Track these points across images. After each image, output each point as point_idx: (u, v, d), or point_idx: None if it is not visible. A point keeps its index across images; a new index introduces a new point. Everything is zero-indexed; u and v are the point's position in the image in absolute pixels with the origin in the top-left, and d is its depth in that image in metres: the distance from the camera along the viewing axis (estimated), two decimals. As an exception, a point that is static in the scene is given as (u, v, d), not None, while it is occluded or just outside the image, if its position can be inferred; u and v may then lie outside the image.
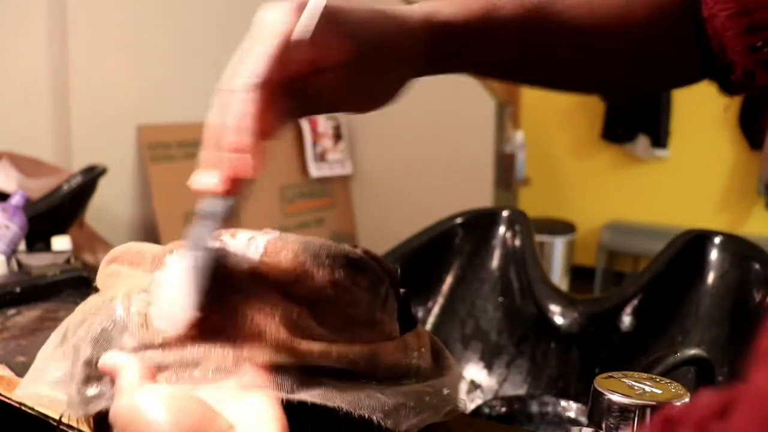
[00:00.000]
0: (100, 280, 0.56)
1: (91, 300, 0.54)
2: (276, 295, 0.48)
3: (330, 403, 0.45)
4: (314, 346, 0.47)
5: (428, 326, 1.03)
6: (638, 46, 0.57)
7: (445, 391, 0.52)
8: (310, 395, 0.45)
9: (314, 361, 0.47)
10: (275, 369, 0.46)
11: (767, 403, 0.20)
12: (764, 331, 0.22)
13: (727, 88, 0.57)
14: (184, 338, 0.46)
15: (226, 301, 0.48)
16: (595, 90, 0.60)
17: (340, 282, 0.50)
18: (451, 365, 0.56)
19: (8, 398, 0.66)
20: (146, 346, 0.47)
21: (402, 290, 0.56)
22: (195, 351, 0.46)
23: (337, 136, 3.08)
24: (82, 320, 0.51)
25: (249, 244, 0.51)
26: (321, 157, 3.01)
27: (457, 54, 0.53)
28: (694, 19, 0.55)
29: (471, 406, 0.66)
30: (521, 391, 0.97)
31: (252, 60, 0.44)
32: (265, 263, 0.50)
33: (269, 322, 0.47)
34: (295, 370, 0.47)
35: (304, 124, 2.96)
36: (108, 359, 0.46)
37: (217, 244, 0.51)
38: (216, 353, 0.46)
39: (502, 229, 1.05)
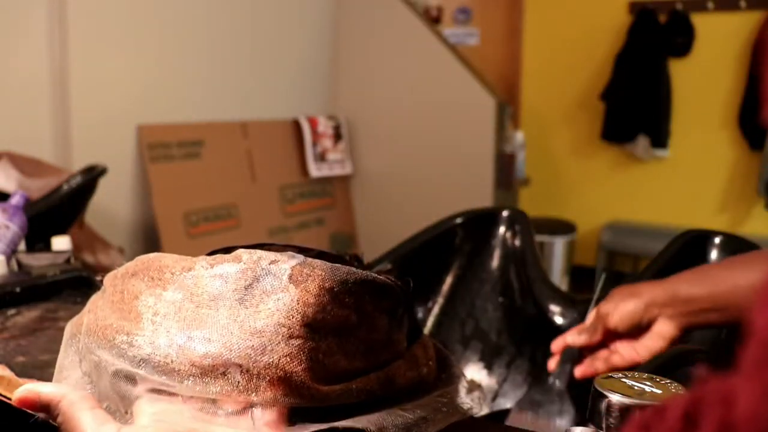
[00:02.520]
0: (115, 291, 0.54)
1: (106, 316, 0.52)
2: (302, 329, 0.47)
3: (358, 425, 0.46)
4: (336, 387, 0.47)
5: (428, 326, 1.03)
6: None
7: (460, 401, 0.54)
8: (335, 423, 0.46)
9: (335, 401, 0.47)
10: (293, 410, 0.46)
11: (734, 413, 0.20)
12: (750, 339, 0.22)
13: None
14: (206, 371, 0.46)
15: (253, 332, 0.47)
16: None
17: (364, 309, 0.50)
18: (457, 372, 0.58)
19: (8, 398, 0.66)
20: (168, 376, 0.46)
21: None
22: (215, 388, 0.46)
23: (337, 136, 3.08)
24: (102, 339, 0.50)
25: (270, 269, 0.50)
26: (321, 157, 3.01)
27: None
28: None
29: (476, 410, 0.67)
30: (521, 391, 0.97)
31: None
32: (292, 292, 0.49)
33: (295, 365, 0.46)
34: (314, 408, 0.47)
35: (304, 124, 2.96)
36: (43, 389, 0.45)
37: None
38: (236, 391, 0.46)
39: (502, 229, 1.05)
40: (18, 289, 0.90)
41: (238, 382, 0.45)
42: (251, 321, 0.47)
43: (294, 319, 0.47)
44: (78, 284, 0.97)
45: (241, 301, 0.48)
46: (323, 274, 0.50)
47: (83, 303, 0.91)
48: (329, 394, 0.47)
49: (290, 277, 0.49)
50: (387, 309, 0.52)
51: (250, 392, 0.45)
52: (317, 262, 0.51)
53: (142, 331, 0.48)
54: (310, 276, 0.49)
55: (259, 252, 0.51)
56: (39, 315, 0.86)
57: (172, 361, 0.46)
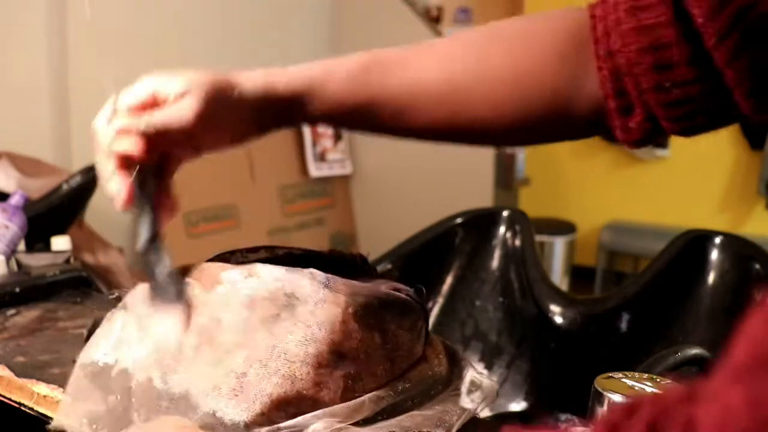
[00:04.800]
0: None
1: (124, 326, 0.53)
2: (330, 357, 0.48)
3: (385, 431, 0.47)
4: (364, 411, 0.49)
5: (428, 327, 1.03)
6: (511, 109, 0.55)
7: (474, 394, 0.55)
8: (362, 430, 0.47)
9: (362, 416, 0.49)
10: None
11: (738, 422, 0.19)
12: (740, 339, 0.21)
13: (622, 135, 0.51)
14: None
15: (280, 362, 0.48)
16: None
17: (387, 328, 0.51)
18: (466, 364, 0.58)
19: (8, 398, 0.66)
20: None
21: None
22: (241, 416, 0.47)
23: (337, 136, 3.08)
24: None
25: (295, 293, 0.50)
26: (321, 157, 3.01)
27: (297, 115, 0.58)
28: (580, 62, 0.50)
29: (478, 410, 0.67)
30: (521, 391, 0.97)
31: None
32: (319, 319, 0.49)
33: (325, 393, 0.48)
34: None
35: (304, 124, 2.97)
36: None
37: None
38: (263, 418, 0.47)
39: (502, 229, 1.05)
40: (17, 289, 0.90)
41: (268, 410, 0.46)
42: (279, 350, 0.48)
43: (321, 348, 0.48)
44: (77, 284, 0.97)
45: (269, 331, 0.48)
46: (348, 299, 0.50)
47: (83, 303, 0.91)
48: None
49: (315, 304, 0.49)
50: (408, 326, 0.53)
51: (278, 419, 0.46)
52: (340, 284, 0.51)
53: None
54: (334, 302, 0.50)
55: (277, 273, 0.51)
56: (38, 315, 0.86)
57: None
